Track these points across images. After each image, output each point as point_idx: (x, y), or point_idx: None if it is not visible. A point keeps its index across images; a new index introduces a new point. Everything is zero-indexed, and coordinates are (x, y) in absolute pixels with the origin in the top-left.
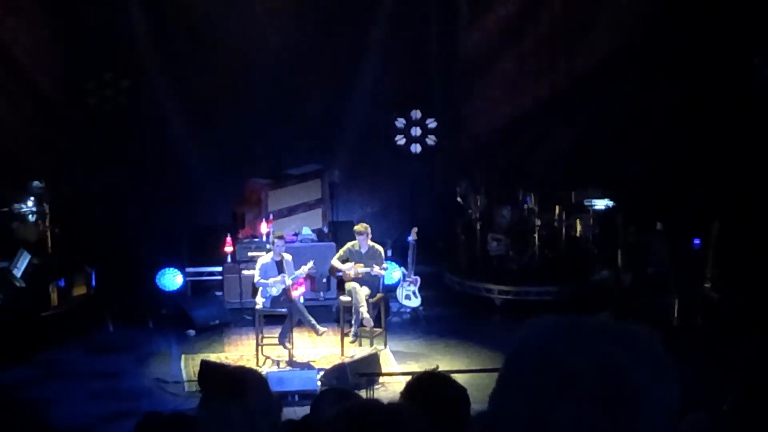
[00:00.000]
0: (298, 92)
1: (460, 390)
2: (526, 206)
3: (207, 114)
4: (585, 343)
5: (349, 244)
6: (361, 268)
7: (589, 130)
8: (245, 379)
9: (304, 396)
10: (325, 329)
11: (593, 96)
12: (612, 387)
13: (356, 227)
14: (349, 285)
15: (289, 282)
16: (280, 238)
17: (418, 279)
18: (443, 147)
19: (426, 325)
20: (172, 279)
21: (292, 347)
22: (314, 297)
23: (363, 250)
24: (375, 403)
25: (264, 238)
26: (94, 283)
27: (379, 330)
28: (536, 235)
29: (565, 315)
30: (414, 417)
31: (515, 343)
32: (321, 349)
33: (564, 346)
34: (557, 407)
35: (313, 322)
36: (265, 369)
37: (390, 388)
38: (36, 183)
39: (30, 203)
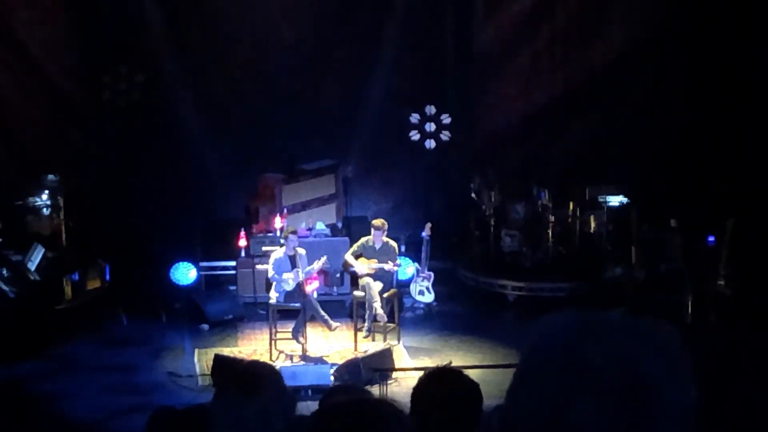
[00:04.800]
0: (313, 87)
1: (473, 386)
2: (539, 202)
3: (221, 108)
4: (603, 338)
5: (362, 240)
6: (374, 264)
7: (603, 126)
8: (259, 373)
9: (318, 391)
10: (338, 324)
11: (607, 91)
12: (630, 382)
13: (374, 222)
14: (362, 280)
15: (302, 277)
16: (293, 233)
17: (432, 274)
18: (457, 142)
19: (439, 320)
20: (185, 273)
21: (306, 342)
22: (327, 292)
23: (377, 246)
24: (358, 401)
25: (278, 233)
26: (108, 276)
27: (392, 325)
28: (550, 231)
29: (582, 311)
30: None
31: (533, 338)
32: (334, 344)
33: (582, 342)
34: (576, 402)
35: (326, 317)
36: (278, 363)
37: (403, 383)
38: (50, 176)
39: (44, 197)
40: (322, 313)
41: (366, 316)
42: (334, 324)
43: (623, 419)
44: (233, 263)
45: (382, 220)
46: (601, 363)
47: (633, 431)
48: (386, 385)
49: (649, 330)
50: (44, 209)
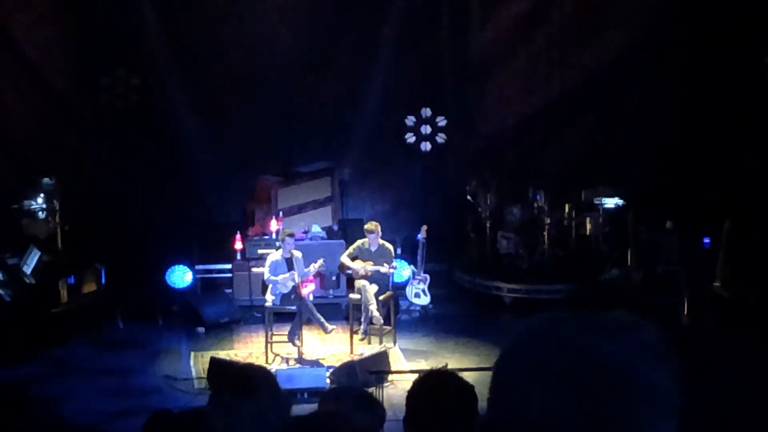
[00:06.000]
0: (309, 90)
1: (469, 388)
2: (536, 204)
3: (218, 111)
4: (574, 338)
5: (359, 242)
6: (370, 266)
7: (599, 129)
8: (254, 376)
9: (314, 393)
10: (333, 327)
11: (604, 94)
12: (615, 383)
13: (367, 226)
14: (358, 283)
15: (298, 279)
16: (290, 236)
17: (428, 277)
18: (453, 145)
19: (435, 323)
20: (181, 276)
21: (302, 345)
22: (323, 295)
23: (373, 248)
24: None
25: (274, 236)
26: (103, 280)
27: (388, 328)
28: (546, 234)
29: (558, 311)
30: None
31: (507, 344)
32: (330, 347)
33: (556, 343)
34: (554, 407)
35: (322, 320)
36: (274, 366)
37: (399, 385)
38: (46, 179)
39: (40, 200)
40: (318, 315)
41: (362, 319)
42: (329, 327)
43: (599, 419)
44: (229, 266)
45: (375, 223)
46: (572, 364)
47: (612, 430)
48: (382, 387)
49: (630, 329)
50: (40, 212)
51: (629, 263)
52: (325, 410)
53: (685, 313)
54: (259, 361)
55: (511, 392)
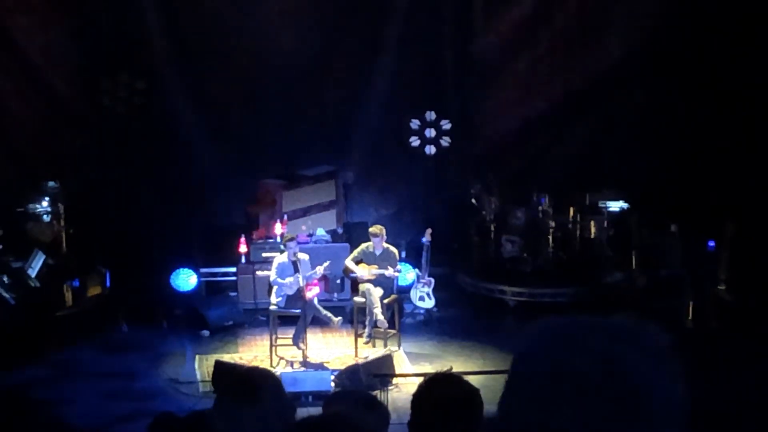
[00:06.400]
0: (313, 93)
1: (473, 391)
2: (540, 208)
3: (221, 114)
4: (589, 343)
5: (363, 246)
6: (375, 270)
7: (603, 132)
8: (259, 379)
9: (318, 397)
10: (340, 318)
11: (607, 97)
12: (617, 385)
13: (371, 229)
14: (363, 286)
15: (302, 282)
16: (291, 239)
17: (432, 280)
18: (457, 148)
19: (439, 326)
20: (186, 279)
21: (306, 348)
22: (328, 298)
23: (377, 252)
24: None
25: (278, 239)
26: (108, 283)
27: (392, 331)
28: (550, 237)
29: (568, 316)
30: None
31: (520, 347)
32: (335, 350)
33: (569, 348)
34: (567, 410)
35: (329, 314)
36: (278, 370)
37: (403, 389)
38: (51, 183)
39: (45, 203)
40: (324, 312)
41: (366, 322)
42: (336, 318)
43: (613, 423)
44: (234, 269)
45: (380, 227)
46: (589, 369)
47: None
48: (387, 391)
49: (636, 332)
50: (45, 216)
51: (633, 266)
52: (329, 413)
53: (689, 316)
54: (264, 364)
55: (526, 394)
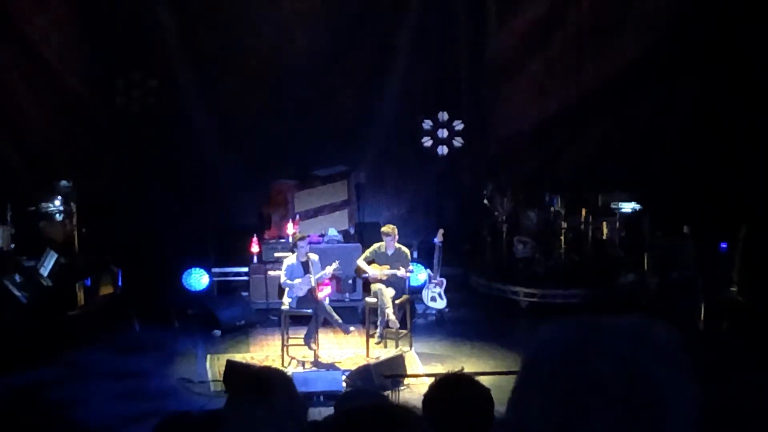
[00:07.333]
0: (326, 93)
1: (485, 392)
2: (552, 209)
3: (234, 115)
4: (606, 344)
5: (375, 246)
6: (386, 270)
7: (616, 133)
8: (271, 379)
9: (330, 397)
10: (353, 328)
11: (620, 98)
12: (637, 387)
13: (383, 228)
14: (374, 286)
15: (313, 282)
16: (302, 239)
17: (444, 281)
18: (470, 149)
19: (451, 326)
20: (198, 279)
21: (318, 348)
22: (340, 298)
23: (389, 252)
24: (376, 407)
25: (290, 239)
26: (120, 282)
27: (404, 331)
28: (562, 238)
29: (581, 317)
30: (414, 421)
31: (532, 348)
32: (346, 350)
33: (585, 349)
34: (586, 412)
35: (340, 321)
36: (290, 369)
37: (415, 389)
38: (63, 182)
39: (57, 202)
40: (336, 317)
41: (378, 323)
42: (350, 327)
43: (629, 423)
44: (246, 269)
45: (392, 226)
46: (607, 370)
47: None
48: (398, 391)
49: (649, 332)
50: (57, 215)
51: (645, 268)
52: (341, 413)
53: (702, 318)
54: (276, 364)
55: (539, 396)
